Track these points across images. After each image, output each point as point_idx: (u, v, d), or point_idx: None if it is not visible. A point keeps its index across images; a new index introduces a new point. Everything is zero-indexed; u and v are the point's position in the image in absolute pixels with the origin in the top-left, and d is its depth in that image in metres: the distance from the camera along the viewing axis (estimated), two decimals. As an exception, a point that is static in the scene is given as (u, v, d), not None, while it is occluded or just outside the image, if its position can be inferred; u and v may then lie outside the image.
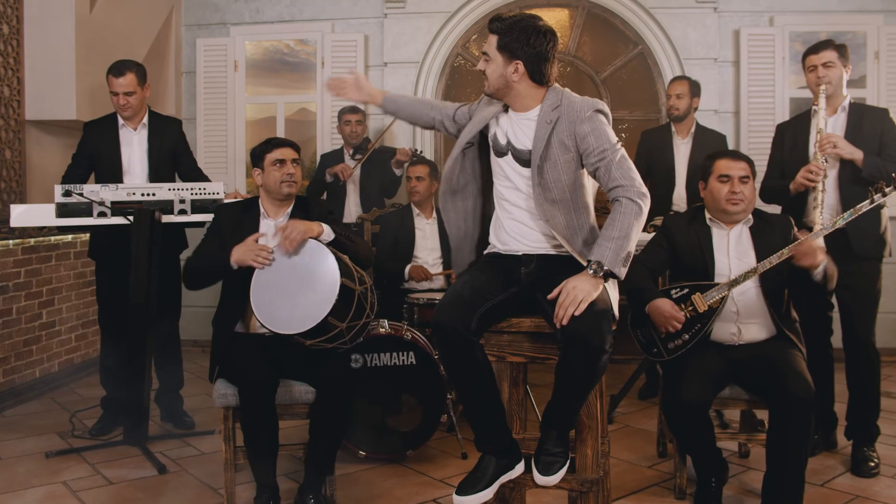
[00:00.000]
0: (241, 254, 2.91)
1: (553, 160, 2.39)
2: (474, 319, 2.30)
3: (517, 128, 2.47)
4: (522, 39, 2.39)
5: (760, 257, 2.90)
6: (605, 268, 2.23)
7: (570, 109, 2.41)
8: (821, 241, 2.89)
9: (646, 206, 2.30)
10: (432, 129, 2.85)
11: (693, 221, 3.08)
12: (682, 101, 4.44)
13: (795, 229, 3.00)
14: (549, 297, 2.26)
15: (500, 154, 2.49)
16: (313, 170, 5.48)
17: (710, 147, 4.38)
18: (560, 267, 2.34)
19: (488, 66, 2.43)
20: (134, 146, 3.85)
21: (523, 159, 2.44)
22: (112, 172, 3.79)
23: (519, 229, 2.47)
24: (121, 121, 3.84)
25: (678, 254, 3.06)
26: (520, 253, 2.47)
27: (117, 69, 3.74)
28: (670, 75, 5.39)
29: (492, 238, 2.55)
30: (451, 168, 2.55)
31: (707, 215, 3.06)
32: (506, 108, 2.51)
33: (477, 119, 2.54)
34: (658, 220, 3.67)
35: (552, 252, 2.45)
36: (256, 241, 2.95)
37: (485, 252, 2.58)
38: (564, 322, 2.18)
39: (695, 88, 4.52)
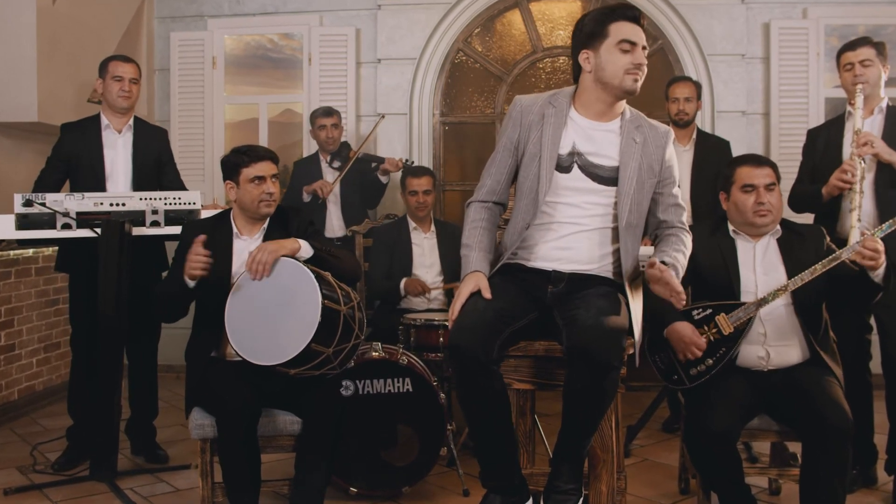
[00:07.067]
0: (186, 267, 2.92)
1: (641, 182, 2.43)
2: (496, 346, 2.29)
3: (593, 139, 2.45)
4: None
5: (791, 273, 2.91)
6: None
7: (654, 133, 2.48)
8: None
9: None
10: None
11: (715, 234, 3.08)
12: (690, 105, 4.44)
13: (828, 239, 3.02)
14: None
15: (564, 169, 2.45)
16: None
17: (713, 154, 4.42)
18: (585, 284, 2.36)
19: (635, 54, 2.39)
20: (118, 149, 3.89)
21: (603, 176, 2.43)
22: (93, 177, 3.81)
23: (564, 244, 2.46)
24: (104, 122, 3.89)
25: (700, 270, 3.04)
26: (550, 269, 2.47)
27: (123, 56, 3.96)
28: (693, 73, 5.43)
29: (520, 251, 2.51)
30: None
31: (730, 227, 3.07)
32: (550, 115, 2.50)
33: (550, 125, 2.46)
34: None
35: (586, 271, 2.46)
36: (202, 247, 2.91)
37: (502, 262, 2.53)
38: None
39: (699, 90, 4.56)
